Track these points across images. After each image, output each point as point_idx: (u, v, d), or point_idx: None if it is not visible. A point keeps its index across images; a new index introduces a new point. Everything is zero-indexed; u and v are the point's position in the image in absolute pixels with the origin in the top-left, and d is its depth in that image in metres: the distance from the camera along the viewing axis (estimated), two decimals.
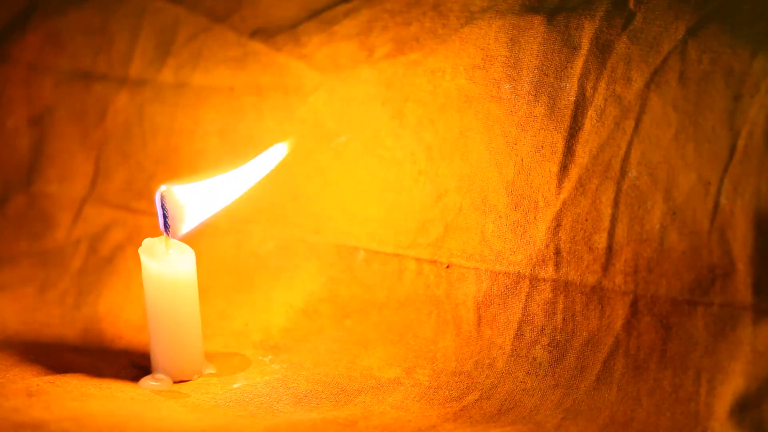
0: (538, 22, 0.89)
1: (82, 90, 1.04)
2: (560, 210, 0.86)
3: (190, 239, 0.91)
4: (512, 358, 0.86)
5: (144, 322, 0.93)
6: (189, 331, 0.90)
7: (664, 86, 0.83)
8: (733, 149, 0.81)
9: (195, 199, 0.90)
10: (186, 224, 0.90)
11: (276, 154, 0.94)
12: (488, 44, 0.90)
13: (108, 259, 1.00)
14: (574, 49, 0.87)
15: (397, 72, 0.93)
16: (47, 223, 1.03)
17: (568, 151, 0.86)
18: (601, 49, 0.86)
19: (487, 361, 0.87)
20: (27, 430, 0.78)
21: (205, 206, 0.90)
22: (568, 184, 0.86)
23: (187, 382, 0.90)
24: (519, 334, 0.87)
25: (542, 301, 0.86)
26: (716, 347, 0.80)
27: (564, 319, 0.85)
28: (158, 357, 0.90)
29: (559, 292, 0.86)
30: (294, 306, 0.94)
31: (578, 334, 0.85)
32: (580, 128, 0.86)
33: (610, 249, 0.84)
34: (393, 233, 0.92)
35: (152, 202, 0.92)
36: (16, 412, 0.81)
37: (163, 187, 0.89)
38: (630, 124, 0.84)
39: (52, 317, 0.97)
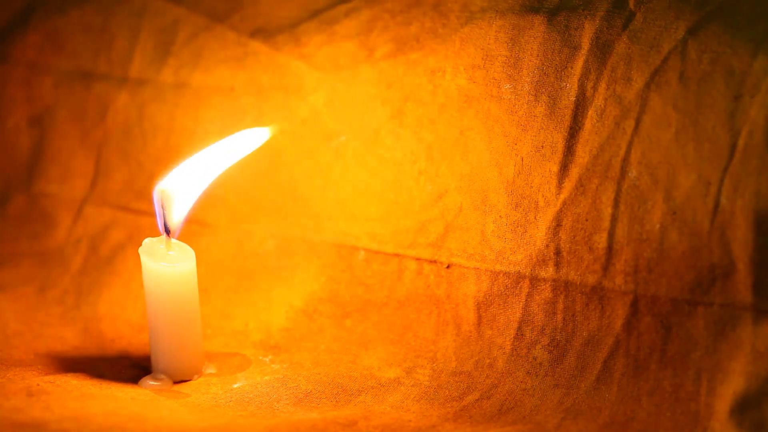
0: (538, 22, 0.89)
1: (82, 90, 1.04)
2: (560, 210, 0.86)
3: (190, 239, 0.91)
4: (512, 358, 0.86)
5: (144, 322, 0.93)
6: (189, 331, 0.90)
7: (665, 86, 0.83)
8: (733, 149, 0.81)
9: (184, 188, 0.90)
10: (181, 215, 0.90)
11: (254, 137, 0.93)
12: (488, 44, 0.90)
13: (108, 259, 1.00)
14: (575, 49, 0.87)
15: (397, 72, 0.93)
16: (47, 223, 1.03)
17: (569, 151, 0.86)
18: (602, 49, 0.86)
19: (488, 361, 0.87)
20: (27, 430, 0.78)
21: (192, 191, 0.91)
22: (569, 184, 0.86)
23: (187, 382, 0.90)
24: (519, 334, 0.87)
25: (542, 301, 0.86)
26: (716, 347, 0.80)
27: (564, 319, 0.85)
28: (158, 357, 0.90)
29: (559, 292, 0.86)
30: (294, 306, 0.94)
31: (578, 334, 0.85)
32: (580, 128, 0.86)
33: (610, 249, 0.84)
34: (393, 233, 0.92)
35: (152, 202, 0.92)
36: (16, 412, 0.81)
37: (159, 187, 0.89)
38: (630, 124, 0.84)
39: (52, 317, 0.97)
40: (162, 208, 0.89)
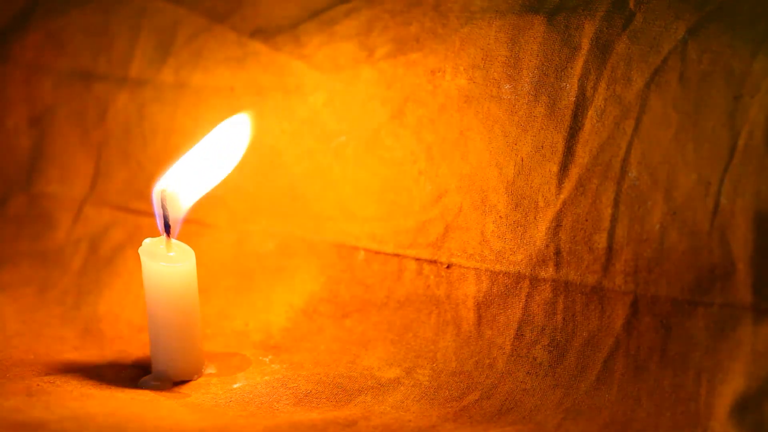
0: (538, 22, 0.89)
1: (82, 90, 1.04)
2: (560, 210, 0.86)
3: (190, 239, 0.91)
4: (512, 358, 0.86)
5: (144, 322, 0.93)
6: (189, 331, 0.90)
7: (664, 86, 0.83)
8: (733, 149, 0.81)
9: (186, 187, 0.90)
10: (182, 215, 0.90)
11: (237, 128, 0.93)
12: (488, 44, 0.90)
13: (108, 259, 1.00)
14: (574, 49, 0.87)
15: (397, 72, 0.93)
16: (47, 223, 1.03)
17: (568, 151, 0.86)
18: (601, 49, 0.86)
19: (488, 361, 0.87)
20: (27, 430, 0.78)
21: (193, 192, 0.91)
22: (568, 184, 0.86)
23: (187, 383, 0.90)
24: (519, 334, 0.87)
25: (542, 301, 0.86)
26: (716, 347, 0.80)
27: (564, 319, 0.85)
28: (158, 357, 0.90)
29: (559, 292, 0.86)
30: (294, 306, 0.94)
31: (578, 334, 0.85)
32: (580, 128, 0.86)
33: (610, 249, 0.84)
34: (393, 233, 0.92)
35: (152, 202, 0.92)
36: (16, 412, 0.81)
37: (160, 187, 0.89)
38: (630, 124, 0.84)
39: (52, 317, 0.97)
40: (161, 208, 0.89)
